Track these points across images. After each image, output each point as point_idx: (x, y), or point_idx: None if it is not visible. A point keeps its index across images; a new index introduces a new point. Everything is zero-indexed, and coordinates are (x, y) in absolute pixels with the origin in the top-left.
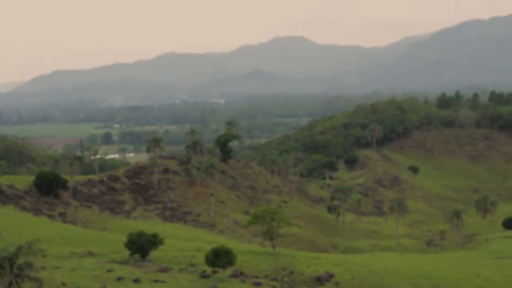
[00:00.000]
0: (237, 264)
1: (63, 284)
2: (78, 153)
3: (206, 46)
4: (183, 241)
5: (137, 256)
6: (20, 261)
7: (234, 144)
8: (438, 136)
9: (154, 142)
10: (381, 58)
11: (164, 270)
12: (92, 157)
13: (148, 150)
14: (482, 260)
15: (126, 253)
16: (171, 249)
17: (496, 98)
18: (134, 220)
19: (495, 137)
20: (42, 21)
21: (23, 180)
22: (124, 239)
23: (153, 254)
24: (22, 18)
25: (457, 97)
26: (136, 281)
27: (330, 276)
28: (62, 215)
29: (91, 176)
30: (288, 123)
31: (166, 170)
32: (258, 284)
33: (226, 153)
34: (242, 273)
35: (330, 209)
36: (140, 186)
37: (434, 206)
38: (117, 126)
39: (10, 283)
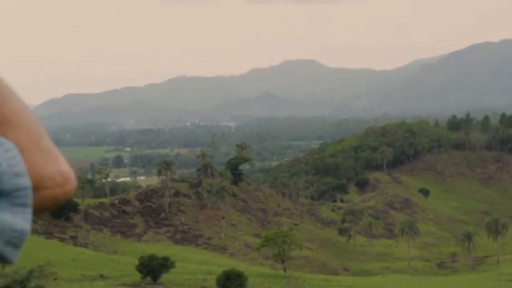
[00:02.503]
0: (248, 286)
1: None
2: (89, 176)
3: (217, 69)
4: (194, 264)
5: (148, 279)
6: (32, 284)
7: (245, 167)
8: (448, 159)
9: (165, 165)
10: (391, 80)
11: None
12: (103, 180)
13: (159, 173)
14: (493, 282)
15: (137, 276)
16: (182, 272)
17: (507, 120)
18: (145, 243)
19: (505, 160)
20: (53, 45)
21: None
22: (136, 262)
23: (165, 277)
24: (33, 42)
25: (468, 119)
26: None
27: None
28: (73, 238)
29: (102, 199)
30: (299, 146)
31: (177, 193)
32: None
33: (237, 176)
34: None
35: (341, 232)
36: (151, 209)
37: (445, 228)
38: (128, 149)
39: None
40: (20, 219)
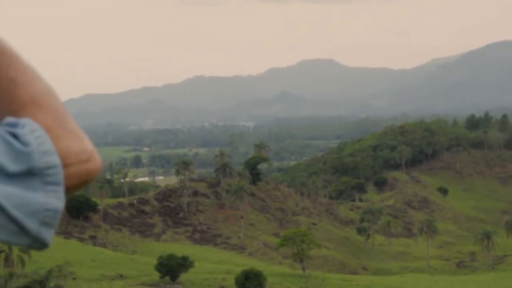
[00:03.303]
0: (267, 286)
1: None
2: (108, 176)
3: (235, 69)
4: (213, 264)
5: (167, 279)
6: (51, 284)
7: (263, 166)
8: (467, 158)
9: (184, 165)
10: (409, 80)
11: None
12: (122, 180)
13: (178, 173)
14: None
15: (156, 275)
16: (201, 272)
17: None
18: (164, 243)
19: None
20: (70, 45)
21: None
22: (154, 261)
23: (183, 276)
24: (50, 42)
25: (486, 118)
26: None
27: None
28: (92, 238)
29: (121, 199)
30: (317, 146)
31: (195, 193)
32: None
33: (255, 176)
34: None
35: (360, 231)
36: (170, 209)
37: (464, 227)
38: (146, 149)
39: None
40: (54, 198)
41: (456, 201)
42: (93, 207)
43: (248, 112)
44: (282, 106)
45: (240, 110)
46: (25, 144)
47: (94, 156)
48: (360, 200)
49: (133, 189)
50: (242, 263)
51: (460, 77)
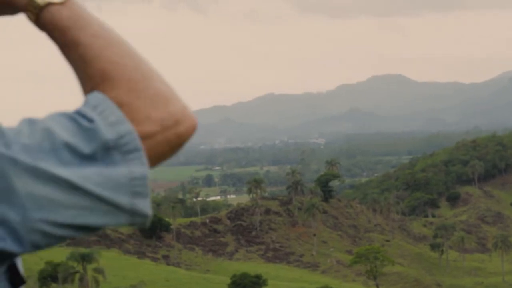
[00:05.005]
0: None
1: None
2: (180, 196)
3: (304, 86)
4: (286, 282)
5: None
6: None
7: (335, 183)
8: None
9: (255, 183)
10: (480, 93)
11: None
12: (194, 200)
13: (249, 191)
14: None
15: None
16: None
17: None
18: (237, 262)
19: None
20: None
21: None
22: (228, 281)
23: None
24: None
25: None
26: None
27: None
28: (165, 257)
29: (193, 219)
30: (389, 162)
31: (267, 211)
32: None
33: (327, 193)
34: None
35: (433, 247)
36: (242, 228)
37: None
38: (218, 168)
39: None
40: (137, 165)
41: None
42: (166, 227)
43: (318, 129)
44: (352, 123)
45: (310, 127)
46: (90, 121)
47: (184, 117)
48: (433, 216)
49: (205, 208)
50: (315, 280)
51: None
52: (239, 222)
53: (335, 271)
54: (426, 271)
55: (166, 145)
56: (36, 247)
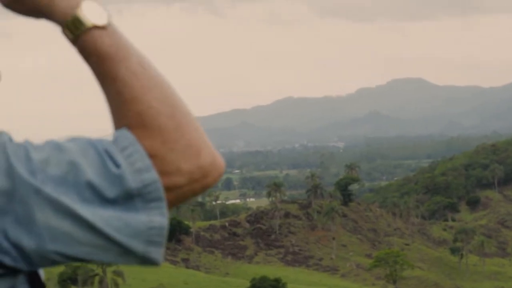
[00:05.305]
0: None
1: None
2: (200, 199)
3: (323, 90)
4: (305, 286)
5: None
6: None
7: (354, 187)
8: None
9: (275, 186)
10: (500, 97)
11: None
12: (214, 203)
13: (269, 194)
14: None
15: None
16: None
17: None
18: (256, 265)
19: None
20: (164, 68)
21: None
22: (247, 284)
23: None
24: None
25: None
26: None
27: None
28: (185, 260)
29: (212, 222)
30: (409, 165)
31: (287, 215)
32: None
33: (346, 197)
34: None
35: (453, 251)
36: (261, 231)
37: None
38: (237, 171)
39: None
40: (157, 215)
41: None
42: (185, 230)
43: (338, 132)
44: (372, 126)
45: (330, 131)
46: (117, 165)
47: (213, 169)
48: (453, 220)
49: (225, 211)
50: (334, 284)
51: None
52: (258, 225)
53: (355, 275)
54: (445, 275)
55: (190, 195)
56: (43, 267)
